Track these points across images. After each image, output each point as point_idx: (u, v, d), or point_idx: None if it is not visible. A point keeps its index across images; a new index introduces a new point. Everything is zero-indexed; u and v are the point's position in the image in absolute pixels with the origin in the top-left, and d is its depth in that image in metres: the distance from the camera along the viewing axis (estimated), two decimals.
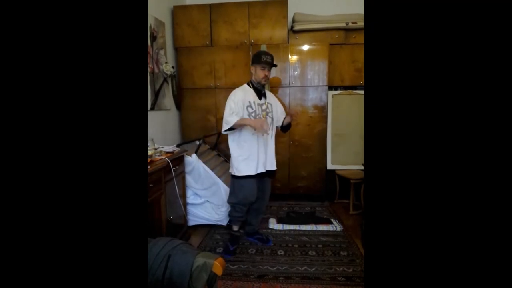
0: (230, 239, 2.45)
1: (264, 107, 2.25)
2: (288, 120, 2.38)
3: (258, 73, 2.19)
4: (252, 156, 2.22)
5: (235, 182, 2.32)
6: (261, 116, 2.21)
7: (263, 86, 2.25)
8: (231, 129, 2.13)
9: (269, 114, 2.27)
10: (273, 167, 2.37)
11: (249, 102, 2.18)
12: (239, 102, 2.15)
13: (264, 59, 2.16)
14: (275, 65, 2.25)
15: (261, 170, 2.27)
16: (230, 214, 2.49)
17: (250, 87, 2.26)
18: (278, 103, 2.42)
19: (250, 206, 2.44)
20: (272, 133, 2.31)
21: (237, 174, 2.27)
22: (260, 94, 2.26)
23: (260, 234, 2.54)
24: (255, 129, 2.10)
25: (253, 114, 2.18)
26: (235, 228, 2.46)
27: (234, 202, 2.37)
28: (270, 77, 2.30)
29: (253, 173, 2.23)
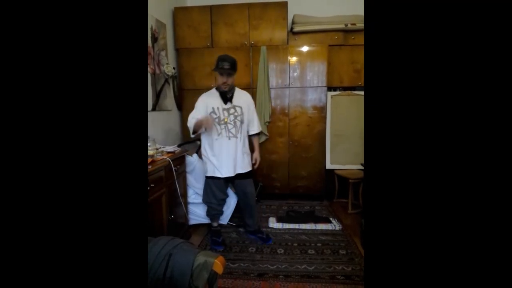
0: (212, 234, 2.56)
1: (231, 111, 2.27)
2: (254, 156, 2.49)
3: (218, 79, 2.24)
4: (220, 159, 2.31)
5: (205, 181, 2.49)
6: (225, 121, 2.25)
7: (229, 90, 2.26)
8: (195, 132, 2.24)
9: (238, 118, 2.29)
10: (244, 169, 2.38)
11: (213, 108, 2.26)
12: (201, 107, 2.27)
13: (220, 66, 2.17)
14: (234, 71, 2.24)
15: (229, 174, 2.32)
16: (207, 213, 2.58)
17: (217, 91, 2.30)
18: (251, 105, 2.40)
19: (240, 206, 2.56)
20: (241, 136, 2.32)
21: (205, 174, 2.43)
22: (226, 98, 2.27)
23: (261, 233, 2.58)
24: (205, 129, 2.18)
25: (216, 120, 2.25)
26: (215, 224, 2.58)
27: (206, 201, 2.50)
28: (233, 82, 2.28)
29: (218, 175, 2.33)
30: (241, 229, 2.77)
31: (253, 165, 2.48)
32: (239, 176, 2.38)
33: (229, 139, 2.28)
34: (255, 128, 2.45)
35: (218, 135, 2.27)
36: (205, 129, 2.19)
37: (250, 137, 2.47)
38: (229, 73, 2.20)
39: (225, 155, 2.30)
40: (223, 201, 2.52)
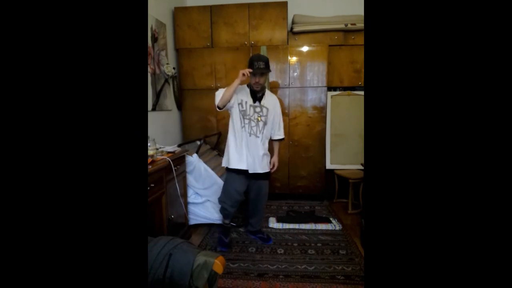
0: (222, 231, 2.52)
1: (257, 109, 2.27)
2: (272, 160, 2.46)
3: (251, 79, 2.23)
4: (240, 152, 2.30)
5: (225, 177, 2.45)
6: (251, 118, 2.26)
7: (260, 90, 2.26)
8: (220, 108, 2.23)
9: (262, 118, 2.29)
10: (262, 170, 2.35)
11: (241, 100, 2.25)
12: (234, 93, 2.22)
13: (257, 66, 2.16)
14: (269, 70, 2.25)
15: (249, 168, 2.30)
16: (220, 211, 2.55)
17: (248, 87, 2.31)
18: (278, 109, 2.39)
19: (246, 207, 2.52)
20: (261, 137, 2.30)
21: (228, 166, 2.37)
22: (256, 96, 2.27)
23: (262, 233, 2.58)
24: (241, 76, 2.08)
25: (242, 113, 2.25)
26: (226, 220, 2.52)
27: (221, 200, 2.45)
28: (265, 81, 2.28)
29: (241, 167, 2.29)
30: (241, 229, 2.77)
31: (270, 169, 2.44)
32: (256, 175, 2.35)
33: (250, 135, 2.27)
34: (280, 133, 2.44)
35: (242, 127, 2.27)
36: (243, 75, 2.07)
37: (272, 141, 2.45)
38: (263, 72, 2.18)
39: (243, 149, 2.29)
40: (236, 203, 2.43)
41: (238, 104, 2.25)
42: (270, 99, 2.35)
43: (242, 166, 2.30)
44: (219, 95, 2.20)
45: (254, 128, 2.28)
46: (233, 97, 2.21)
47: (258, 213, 2.55)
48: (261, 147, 2.31)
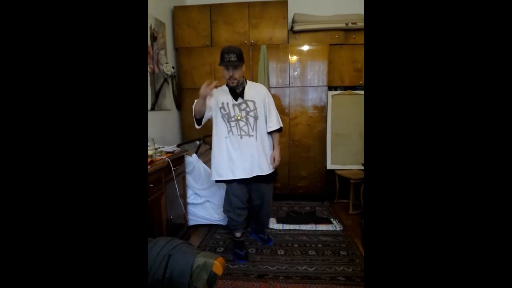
0: (235, 245, 2.31)
1: (243, 106, 2.08)
2: (272, 154, 2.22)
3: (224, 74, 2.05)
4: (231, 159, 2.10)
5: (227, 187, 2.26)
6: (238, 118, 2.06)
7: (239, 85, 2.08)
8: (199, 122, 2.11)
9: (250, 113, 2.08)
10: (264, 171, 2.14)
11: (222, 103, 2.08)
12: (212, 100, 2.06)
13: (227, 59, 1.95)
14: (241, 63, 1.99)
15: (243, 175, 2.10)
16: (228, 224, 2.37)
17: (228, 87, 2.12)
18: (266, 97, 2.16)
19: (251, 213, 2.40)
20: (256, 135, 2.10)
21: (216, 178, 2.19)
22: (236, 94, 2.08)
23: (264, 233, 2.52)
24: (199, 95, 1.89)
25: (226, 117, 2.07)
26: (237, 234, 2.31)
27: (225, 209, 2.29)
28: (241, 75, 2.06)
29: (232, 177, 2.10)
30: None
31: (274, 169, 2.25)
32: (257, 179, 2.14)
33: (241, 137, 2.07)
34: (273, 124, 2.17)
35: (229, 132, 2.06)
36: (204, 97, 1.90)
37: (269, 134, 2.22)
38: (236, 65, 1.98)
39: (233, 155, 2.08)
40: (241, 211, 2.22)
41: (220, 108, 2.07)
42: (253, 90, 2.14)
43: (239, 175, 2.09)
44: (193, 107, 2.03)
45: (245, 128, 2.08)
46: (212, 102, 2.05)
47: (263, 222, 2.45)
48: (258, 146, 2.11)
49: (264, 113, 2.15)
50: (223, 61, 1.98)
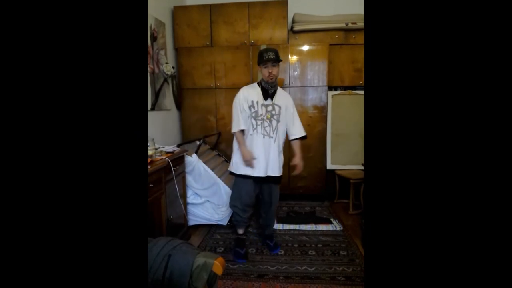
0: (236, 243, 2.37)
1: (269, 108, 2.15)
2: (294, 160, 2.29)
3: (263, 72, 2.12)
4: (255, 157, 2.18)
5: (234, 181, 2.34)
6: (264, 118, 2.14)
7: (272, 86, 2.16)
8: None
9: (274, 117, 2.16)
10: (275, 173, 2.22)
11: (252, 101, 2.14)
12: (242, 103, 2.16)
13: (266, 57, 2.06)
14: (279, 60, 2.10)
15: (260, 174, 2.18)
16: (233, 218, 2.43)
17: (259, 86, 2.19)
18: (291, 106, 2.25)
19: (259, 210, 2.42)
20: (276, 137, 2.18)
21: (234, 171, 2.27)
22: (267, 94, 2.16)
23: (271, 240, 2.42)
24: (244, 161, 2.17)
25: (254, 115, 2.14)
26: (240, 231, 2.38)
27: (231, 204, 2.35)
28: (278, 72, 2.15)
29: (250, 174, 2.19)
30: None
31: (293, 171, 2.33)
32: (269, 179, 2.21)
33: (264, 137, 2.15)
34: (296, 132, 2.25)
35: (253, 130, 2.15)
36: (244, 162, 2.17)
37: (291, 141, 2.29)
38: (275, 61, 2.08)
39: (258, 153, 2.15)
40: (248, 208, 2.31)
41: (249, 106, 2.15)
42: (282, 97, 2.23)
43: (258, 173, 2.18)
44: (233, 132, 2.20)
45: (268, 129, 2.15)
46: (244, 102, 2.16)
47: (272, 216, 2.43)
48: (276, 149, 2.19)
49: (285, 119, 2.22)
50: (263, 59, 2.08)
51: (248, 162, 2.14)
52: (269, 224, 2.45)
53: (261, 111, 2.14)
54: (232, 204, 2.34)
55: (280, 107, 2.18)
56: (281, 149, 2.26)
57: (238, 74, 3.35)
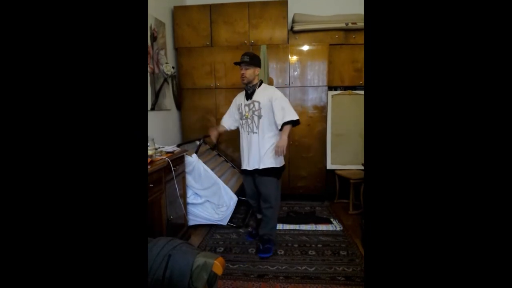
0: (257, 224, 2.64)
1: (250, 106, 2.31)
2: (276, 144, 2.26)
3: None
4: (241, 152, 2.43)
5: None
6: (248, 116, 2.32)
7: (250, 86, 2.29)
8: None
9: (255, 113, 2.28)
10: (256, 166, 2.29)
11: (239, 104, 2.39)
12: (232, 107, 2.48)
13: (241, 59, 2.24)
14: (253, 64, 2.22)
15: (244, 167, 2.38)
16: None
17: (245, 90, 2.38)
18: (274, 99, 2.22)
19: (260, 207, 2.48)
20: (259, 132, 2.27)
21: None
22: (248, 95, 2.33)
23: (263, 243, 2.33)
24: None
25: (239, 116, 2.40)
26: (259, 216, 2.61)
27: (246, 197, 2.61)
28: (251, 75, 2.24)
29: (245, 167, 2.40)
30: (241, 230, 2.75)
31: (282, 164, 2.35)
32: (255, 172, 2.31)
33: (248, 134, 2.33)
34: (278, 120, 2.21)
35: (241, 128, 2.41)
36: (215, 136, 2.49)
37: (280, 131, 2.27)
38: (246, 64, 2.21)
39: (244, 149, 2.38)
40: (253, 196, 2.52)
41: (237, 109, 2.41)
42: (261, 93, 2.28)
43: (244, 166, 2.40)
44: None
45: (251, 125, 2.31)
46: (234, 107, 2.45)
47: (267, 216, 2.37)
48: (260, 143, 2.27)
49: (268, 112, 2.26)
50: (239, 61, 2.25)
51: (209, 138, 2.56)
52: (264, 222, 2.40)
53: (244, 111, 2.34)
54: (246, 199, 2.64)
55: (259, 103, 2.28)
56: (268, 142, 2.27)
57: (238, 74, 3.30)
